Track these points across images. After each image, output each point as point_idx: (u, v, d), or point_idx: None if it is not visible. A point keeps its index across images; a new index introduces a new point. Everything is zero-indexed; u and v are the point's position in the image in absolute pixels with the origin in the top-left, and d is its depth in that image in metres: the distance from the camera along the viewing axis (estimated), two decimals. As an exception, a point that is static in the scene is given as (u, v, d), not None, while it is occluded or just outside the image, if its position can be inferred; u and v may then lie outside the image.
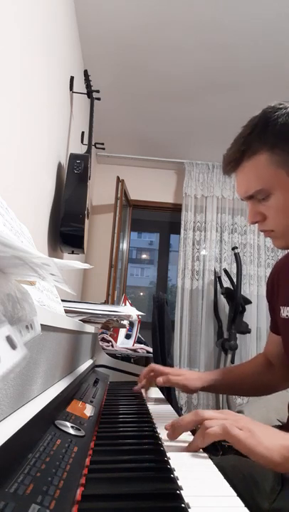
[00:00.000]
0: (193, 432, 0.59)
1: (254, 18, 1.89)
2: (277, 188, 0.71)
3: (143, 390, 1.00)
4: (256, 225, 0.79)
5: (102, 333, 2.18)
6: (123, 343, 2.34)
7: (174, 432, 0.58)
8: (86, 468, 0.42)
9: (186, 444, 0.57)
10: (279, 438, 0.52)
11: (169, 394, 1.31)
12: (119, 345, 2.26)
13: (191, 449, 0.55)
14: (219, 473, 0.47)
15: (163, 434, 0.61)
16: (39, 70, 1.34)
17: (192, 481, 0.43)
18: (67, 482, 0.35)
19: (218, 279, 3.07)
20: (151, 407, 0.85)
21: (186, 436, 0.61)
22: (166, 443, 0.57)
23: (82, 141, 2.27)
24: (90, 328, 1.03)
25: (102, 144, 2.41)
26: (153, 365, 0.97)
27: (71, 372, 0.81)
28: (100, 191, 3.34)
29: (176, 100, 2.60)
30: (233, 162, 0.76)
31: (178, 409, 1.73)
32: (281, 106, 0.71)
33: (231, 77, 2.34)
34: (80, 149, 2.24)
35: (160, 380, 0.88)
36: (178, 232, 3.31)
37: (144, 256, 4.55)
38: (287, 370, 0.91)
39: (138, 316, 1.79)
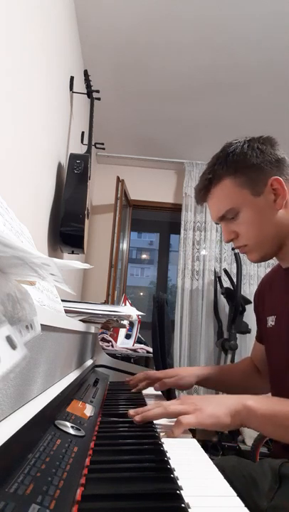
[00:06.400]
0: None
1: (255, 16, 1.89)
2: (243, 205, 0.82)
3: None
4: None
5: (102, 333, 2.18)
6: (123, 343, 2.34)
7: (141, 420, 0.65)
8: (86, 468, 0.42)
9: (186, 444, 0.59)
10: (222, 406, 0.64)
11: (168, 392, 1.32)
12: (119, 345, 2.26)
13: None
14: (219, 473, 0.47)
15: (163, 434, 0.61)
16: (39, 70, 1.34)
17: (192, 481, 0.43)
18: (67, 482, 0.35)
19: (218, 279, 3.06)
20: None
21: (186, 436, 0.61)
22: (167, 443, 0.57)
23: (82, 141, 2.27)
24: (90, 328, 1.03)
25: (102, 143, 2.41)
26: (147, 373, 1.01)
27: (71, 372, 0.81)
28: (100, 191, 3.34)
29: (176, 100, 2.60)
30: (203, 190, 0.88)
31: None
32: (236, 141, 0.85)
33: (232, 77, 2.34)
34: (80, 149, 2.24)
35: (157, 386, 0.93)
36: (178, 232, 3.30)
37: (144, 256, 4.54)
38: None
39: (138, 316, 1.79)
